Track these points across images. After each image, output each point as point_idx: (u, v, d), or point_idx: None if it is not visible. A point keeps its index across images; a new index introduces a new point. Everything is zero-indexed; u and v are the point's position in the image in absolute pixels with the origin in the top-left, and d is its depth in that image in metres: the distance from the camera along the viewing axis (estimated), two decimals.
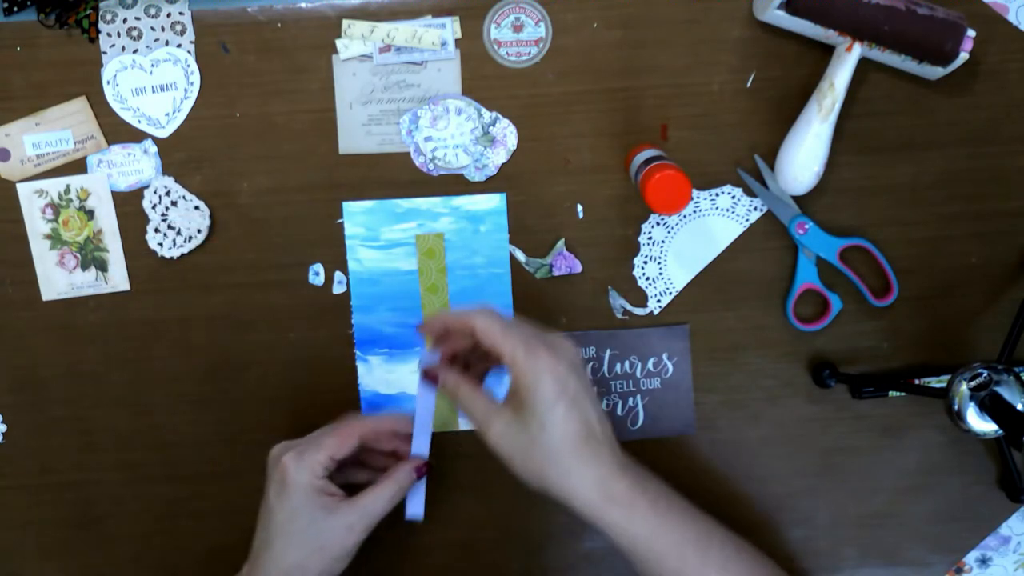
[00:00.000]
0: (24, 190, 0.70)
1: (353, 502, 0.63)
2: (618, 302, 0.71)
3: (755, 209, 0.70)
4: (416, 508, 0.66)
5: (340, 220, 0.71)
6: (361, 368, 0.72)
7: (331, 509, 0.62)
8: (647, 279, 0.71)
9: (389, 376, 0.72)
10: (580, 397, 0.58)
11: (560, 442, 0.57)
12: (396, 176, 0.70)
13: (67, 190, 0.70)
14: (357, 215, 0.70)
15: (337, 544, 0.62)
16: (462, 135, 0.69)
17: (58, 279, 0.71)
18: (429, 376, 0.63)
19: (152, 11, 0.68)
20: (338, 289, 0.71)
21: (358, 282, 0.71)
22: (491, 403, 0.59)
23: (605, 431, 0.59)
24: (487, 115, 0.69)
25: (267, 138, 0.69)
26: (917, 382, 0.71)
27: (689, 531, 0.60)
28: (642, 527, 0.59)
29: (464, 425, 0.73)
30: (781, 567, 0.64)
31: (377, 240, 0.71)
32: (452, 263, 0.71)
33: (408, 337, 0.72)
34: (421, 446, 0.66)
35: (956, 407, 0.62)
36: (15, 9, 0.67)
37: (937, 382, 0.71)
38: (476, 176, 0.70)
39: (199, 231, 0.70)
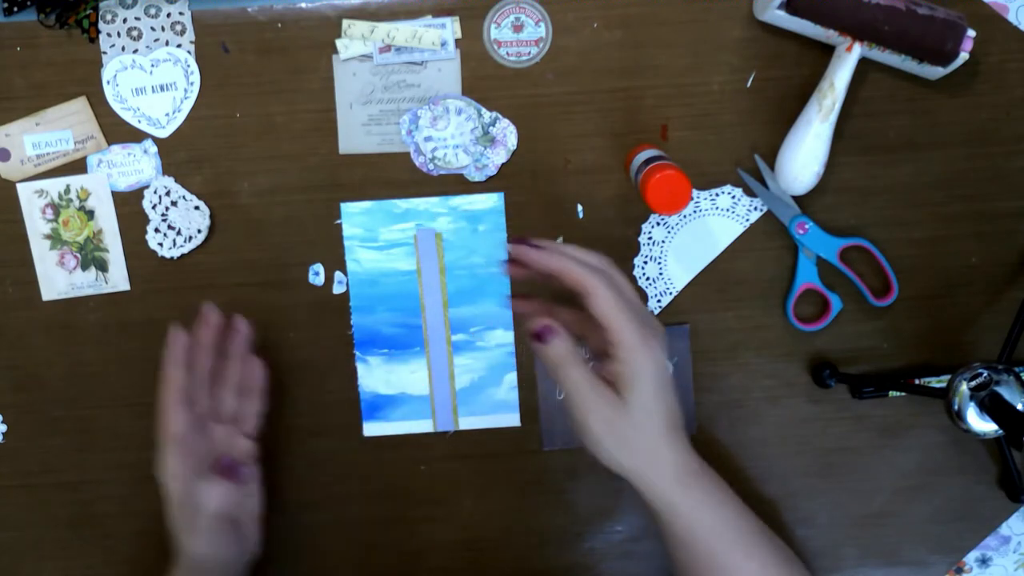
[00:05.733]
0: (24, 190, 0.70)
1: None
2: None
3: (755, 209, 0.70)
4: None
5: (338, 221, 0.71)
6: (361, 368, 0.72)
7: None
8: (647, 279, 0.71)
9: (389, 376, 0.72)
10: (670, 385, 0.60)
11: (658, 428, 0.59)
12: (396, 176, 0.70)
13: (67, 190, 0.70)
14: (355, 216, 0.70)
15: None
16: (462, 135, 0.69)
17: (58, 279, 0.71)
18: (541, 332, 0.59)
19: (152, 11, 0.68)
20: (338, 289, 0.71)
21: (357, 283, 0.71)
22: (600, 383, 0.59)
23: (680, 418, 0.61)
24: (487, 115, 0.69)
25: (267, 138, 0.69)
26: (917, 382, 0.71)
27: (742, 522, 0.62)
28: (706, 513, 0.61)
29: (465, 425, 0.73)
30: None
31: (376, 240, 0.71)
32: (450, 263, 0.71)
33: (408, 337, 0.72)
34: None
35: (956, 407, 0.62)
36: (15, 9, 0.67)
37: (937, 382, 0.71)
38: (476, 176, 0.70)
39: (199, 231, 0.70)
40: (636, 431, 0.59)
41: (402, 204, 0.70)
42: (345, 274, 0.71)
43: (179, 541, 0.65)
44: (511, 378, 0.73)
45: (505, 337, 0.72)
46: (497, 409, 0.73)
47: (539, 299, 0.64)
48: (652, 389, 0.58)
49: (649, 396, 0.58)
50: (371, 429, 0.73)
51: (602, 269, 0.59)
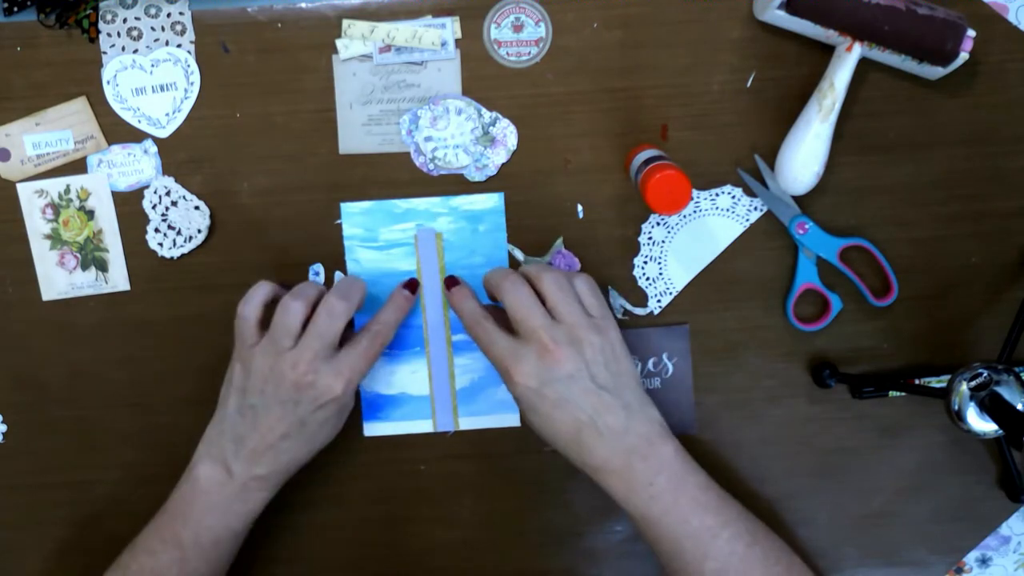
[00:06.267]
0: (24, 190, 0.70)
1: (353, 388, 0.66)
2: (618, 302, 0.71)
3: (755, 209, 0.70)
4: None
5: (338, 221, 0.71)
6: None
7: (349, 408, 0.67)
8: (647, 279, 0.71)
9: (390, 376, 0.72)
10: (561, 402, 0.62)
11: (557, 439, 0.63)
12: (396, 176, 0.70)
13: (67, 190, 0.70)
14: (355, 216, 0.70)
15: (337, 432, 0.68)
16: (462, 135, 0.69)
17: (58, 279, 0.71)
18: (446, 281, 0.68)
19: (152, 11, 0.68)
20: None
21: None
22: (511, 337, 0.63)
23: (606, 422, 0.62)
24: (487, 115, 0.69)
25: (267, 138, 0.69)
26: (917, 382, 0.71)
27: (698, 482, 0.64)
28: (646, 504, 0.62)
29: (465, 425, 0.73)
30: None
31: (376, 241, 0.71)
32: (451, 263, 0.71)
33: (408, 337, 0.72)
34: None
35: (956, 407, 0.62)
36: (15, 9, 0.67)
37: (937, 382, 0.71)
38: (476, 176, 0.70)
39: (199, 231, 0.70)
40: (548, 435, 0.64)
41: (402, 204, 0.70)
42: (345, 274, 0.71)
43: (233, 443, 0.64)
44: None
45: None
46: (497, 409, 0.73)
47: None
48: (526, 409, 0.63)
49: (532, 415, 0.63)
50: (371, 429, 0.73)
51: (532, 273, 0.64)
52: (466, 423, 0.73)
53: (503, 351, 0.62)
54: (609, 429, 0.62)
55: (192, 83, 0.69)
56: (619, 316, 0.72)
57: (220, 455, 0.64)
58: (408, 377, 0.72)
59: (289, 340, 0.63)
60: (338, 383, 0.63)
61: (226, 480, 0.64)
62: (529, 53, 0.68)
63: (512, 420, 0.73)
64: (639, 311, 0.72)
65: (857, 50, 0.64)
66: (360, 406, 0.73)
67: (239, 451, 0.64)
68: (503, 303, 0.63)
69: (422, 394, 0.73)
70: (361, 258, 0.71)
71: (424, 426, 0.73)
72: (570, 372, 0.61)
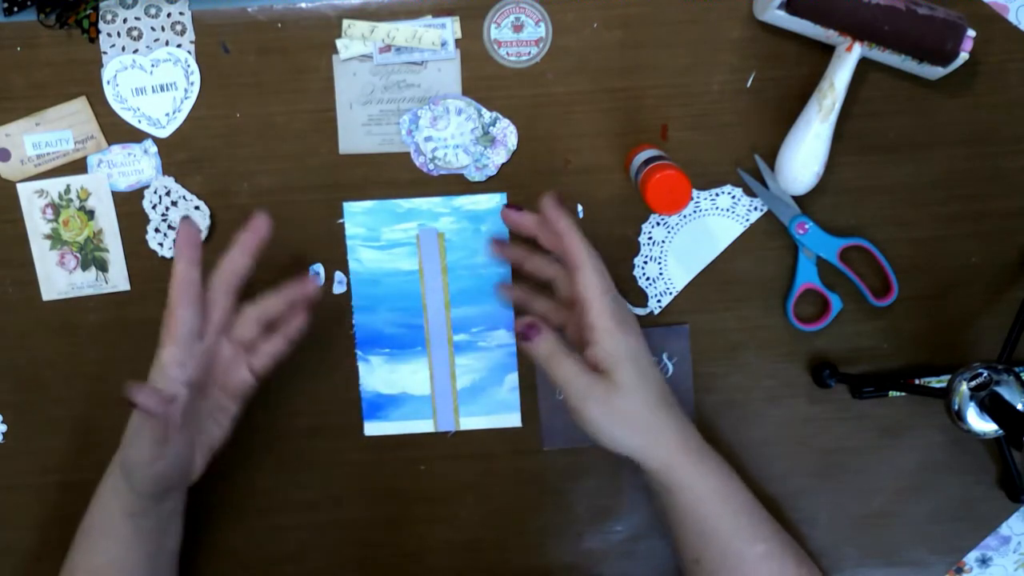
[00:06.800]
0: (24, 190, 0.70)
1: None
2: None
3: (755, 209, 0.70)
4: None
5: (341, 220, 0.71)
6: (362, 368, 0.72)
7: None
8: (647, 279, 0.71)
9: (390, 376, 0.72)
10: (651, 369, 0.62)
11: (651, 401, 0.61)
12: (396, 176, 0.70)
13: (67, 190, 0.70)
14: (358, 215, 0.70)
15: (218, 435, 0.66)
16: (462, 135, 0.69)
17: (58, 279, 0.71)
18: (525, 331, 0.62)
19: (152, 11, 0.68)
20: (338, 289, 0.71)
21: (359, 282, 0.71)
22: (588, 370, 0.61)
23: (672, 395, 0.63)
24: (487, 115, 0.69)
25: (267, 138, 0.69)
26: (917, 382, 0.71)
27: (748, 502, 0.65)
28: (711, 485, 0.63)
29: (466, 425, 0.73)
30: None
31: (378, 240, 0.71)
32: (453, 263, 0.71)
33: (409, 337, 0.72)
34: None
35: (956, 407, 0.62)
36: (15, 9, 0.67)
37: (937, 382, 0.71)
38: (476, 176, 0.70)
39: (199, 231, 0.70)
40: (631, 407, 0.61)
41: (404, 204, 0.70)
42: (346, 274, 0.71)
43: (127, 443, 0.62)
44: (512, 378, 0.73)
45: (507, 338, 0.72)
46: (498, 409, 0.73)
47: (521, 285, 0.68)
48: (634, 367, 0.60)
49: (633, 373, 0.60)
50: (372, 429, 0.73)
51: (594, 254, 0.62)
52: (467, 423, 0.73)
53: (609, 302, 0.61)
54: (671, 405, 0.63)
55: (192, 83, 0.69)
56: None
57: None
58: (409, 377, 0.72)
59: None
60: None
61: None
62: (529, 53, 0.68)
63: (513, 420, 0.73)
64: (639, 311, 0.72)
65: (857, 50, 0.64)
66: (361, 406, 0.73)
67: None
68: (580, 273, 0.60)
69: (423, 394, 0.73)
70: (363, 257, 0.71)
71: (425, 426, 0.73)
72: (641, 344, 0.62)
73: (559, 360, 0.60)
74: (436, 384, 0.73)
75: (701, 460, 0.63)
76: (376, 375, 0.72)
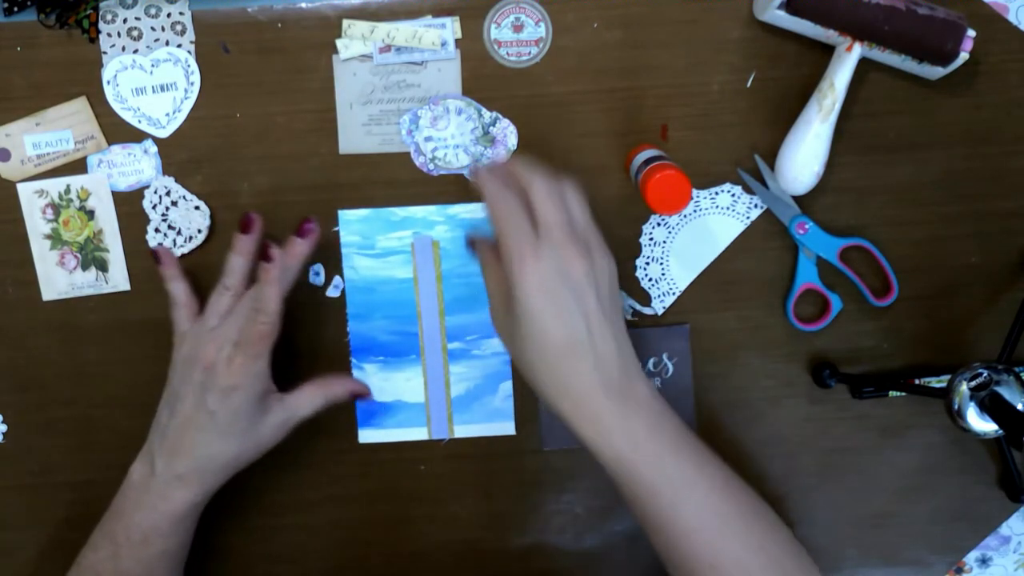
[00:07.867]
0: (24, 190, 0.70)
1: (284, 401, 0.65)
2: (627, 302, 0.71)
3: (755, 206, 0.70)
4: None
5: (336, 228, 0.70)
6: (357, 375, 0.72)
7: (268, 408, 0.64)
8: (650, 280, 0.71)
9: (385, 384, 0.72)
10: (568, 309, 0.56)
11: (545, 354, 0.57)
12: (396, 176, 0.70)
13: (67, 190, 0.70)
14: (352, 223, 0.70)
15: (270, 438, 0.65)
16: (462, 135, 0.69)
17: (58, 279, 0.71)
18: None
19: (152, 11, 0.68)
20: (333, 292, 0.71)
21: (354, 290, 0.71)
22: (503, 294, 0.58)
23: (598, 345, 0.57)
24: (487, 115, 0.69)
25: (267, 138, 0.69)
26: (917, 382, 0.71)
27: (732, 497, 0.59)
28: (669, 472, 0.57)
29: (460, 433, 0.73)
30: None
31: (373, 248, 0.71)
32: (447, 271, 0.71)
33: (403, 345, 0.72)
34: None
35: (956, 407, 0.62)
36: (15, 9, 0.67)
37: (937, 382, 0.71)
38: None
39: (199, 231, 0.70)
40: (535, 351, 0.56)
41: (400, 212, 0.70)
42: (342, 278, 0.71)
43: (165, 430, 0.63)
44: (507, 387, 0.72)
45: (501, 346, 0.72)
46: (492, 418, 0.73)
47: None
48: (536, 305, 0.55)
49: (533, 313, 0.55)
50: (366, 436, 0.73)
51: (556, 183, 0.58)
52: (461, 431, 0.73)
53: (524, 235, 0.56)
54: (598, 355, 0.56)
55: (192, 83, 0.69)
56: (628, 317, 0.72)
57: (148, 449, 0.65)
58: (403, 384, 0.72)
59: (215, 319, 0.63)
60: (255, 377, 0.62)
61: (149, 475, 0.64)
62: (529, 53, 0.68)
63: (507, 429, 0.73)
64: (647, 311, 0.72)
65: (857, 50, 0.64)
66: (356, 413, 0.73)
67: (162, 445, 0.64)
68: (530, 190, 0.57)
69: (417, 402, 0.72)
70: (358, 265, 0.71)
71: (419, 434, 0.73)
72: (581, 280, 0.56)
73: (487, 251, 0.60)
74: (430, 392, 0.73)
75: (657, 447, 0.57)
76: (370, 383, 0.72)
